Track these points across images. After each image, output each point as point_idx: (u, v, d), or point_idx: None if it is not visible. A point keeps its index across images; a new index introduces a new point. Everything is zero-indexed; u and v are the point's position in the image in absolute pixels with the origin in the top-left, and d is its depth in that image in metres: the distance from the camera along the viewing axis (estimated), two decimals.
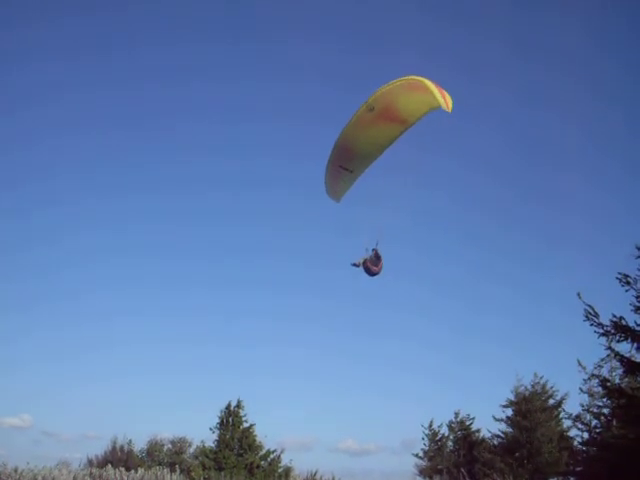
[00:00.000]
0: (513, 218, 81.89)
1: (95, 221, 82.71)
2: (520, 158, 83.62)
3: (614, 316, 16.20)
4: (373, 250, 13.82)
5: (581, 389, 24.25)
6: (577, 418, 24.78)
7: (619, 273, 16.26)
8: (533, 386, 32.48)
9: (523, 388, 32.44)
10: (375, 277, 13.99)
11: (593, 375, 20.01)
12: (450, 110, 11.49)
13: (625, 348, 16.52)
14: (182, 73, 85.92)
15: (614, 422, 19.90)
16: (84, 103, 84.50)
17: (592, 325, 16.71)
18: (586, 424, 24.05)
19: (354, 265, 13.74)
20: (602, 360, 17.54)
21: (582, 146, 79.41)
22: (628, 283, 16.13)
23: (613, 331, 16.22)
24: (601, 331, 16.51)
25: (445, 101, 11.46)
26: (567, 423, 30.44)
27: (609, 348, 16.65)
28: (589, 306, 16.76)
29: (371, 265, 13.75)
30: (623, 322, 15.97)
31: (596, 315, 16.63)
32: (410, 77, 11.89)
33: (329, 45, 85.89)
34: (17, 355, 63.65)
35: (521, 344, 63.12)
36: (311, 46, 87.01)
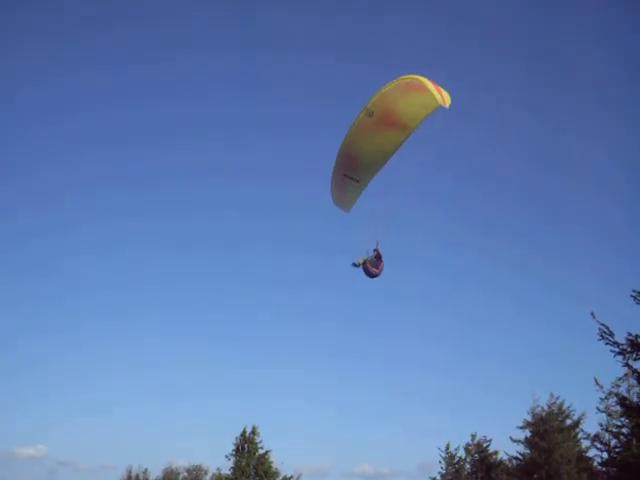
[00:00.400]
0: (525, 235, 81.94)
1: (96, 246, 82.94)
2: (528, 171, 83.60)
3: (630, 334, 16.17)
4: (374, 250, 13.45)
5: (598, 408, 24.03)
6: (596, 438, 24.47)
7: (634, 291, 16.27)
8: (549, 406, 32.17)
9: (540, 409, 32.16)
10: (375, 279, 13.55)
11: (611, 393, 19.87)
12: (448, 106, 11.25)
13: None
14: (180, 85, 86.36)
15: (634, 441, 19.69)
16: (86, 125, 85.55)
17: (607, 344, 16.68)
18: (605, 444, 23.74)
19: (354, 265, 13.39)
20: (620, 379, 17.49)
21: (594, 163, 79.21)
22: None
23: (629, 349, 16.18)
24: (617, 350, 16.48)
25: (442, 97, 11.23)
26: (586, 443, 30.12)
27: (626, 365, 16.60)
28: (603, 325, 16.75)
29: (371, 267, 13.39)
30: (639, 340, 15.93)
31: (611, 334, 16.60)
32: (406, 77, 11.69)
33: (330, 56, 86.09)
34: (29, 386, 63.85)
35: (536, 364, 62.66)
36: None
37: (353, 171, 12.88)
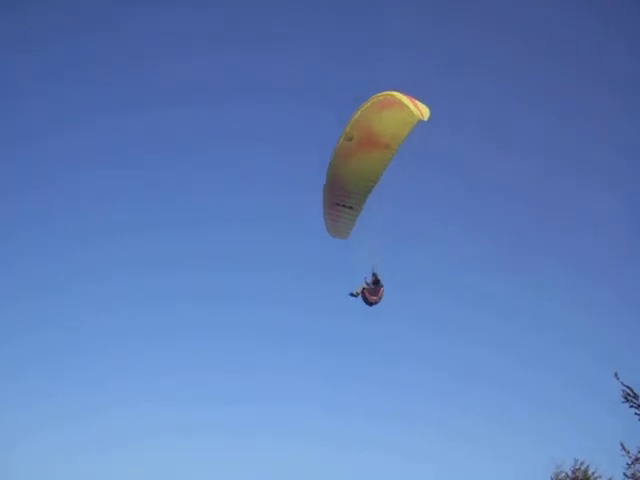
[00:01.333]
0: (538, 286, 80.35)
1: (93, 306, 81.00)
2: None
3: None
4: (373, 275, 12.93)
5: (625, 474, 23.29)
6: None
7: None
8: (574, 472, 31.13)
9: (564, 474, 31.10)
10: (374, 306, 13.00)
11: (638, 459, 19.33)
12: (426, 119, 10.84)
13: None
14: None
15: None
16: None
17: (632, 407, 16.35)
18: None
19: (352, 295, 12.88)
20: None
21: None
22: None
23: None
24: None
25: (419, 110, 10.83)
26: None
27: None
28: (627, 387, 16.43)
29: (369, 295, 12.85)
30: None
31: (635, 396, 16.28)
32: (380, 94, 11.39)
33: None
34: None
35: (558, 425, 60.65)
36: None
37: (344, 198, 12.61)
